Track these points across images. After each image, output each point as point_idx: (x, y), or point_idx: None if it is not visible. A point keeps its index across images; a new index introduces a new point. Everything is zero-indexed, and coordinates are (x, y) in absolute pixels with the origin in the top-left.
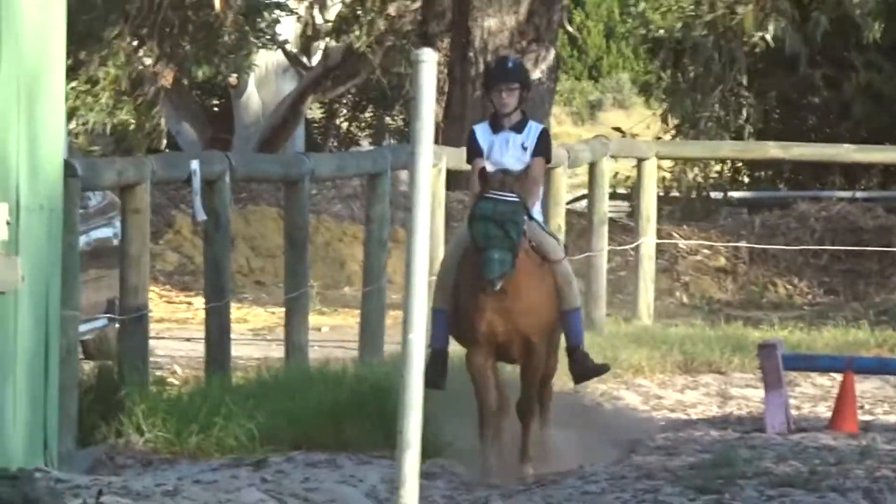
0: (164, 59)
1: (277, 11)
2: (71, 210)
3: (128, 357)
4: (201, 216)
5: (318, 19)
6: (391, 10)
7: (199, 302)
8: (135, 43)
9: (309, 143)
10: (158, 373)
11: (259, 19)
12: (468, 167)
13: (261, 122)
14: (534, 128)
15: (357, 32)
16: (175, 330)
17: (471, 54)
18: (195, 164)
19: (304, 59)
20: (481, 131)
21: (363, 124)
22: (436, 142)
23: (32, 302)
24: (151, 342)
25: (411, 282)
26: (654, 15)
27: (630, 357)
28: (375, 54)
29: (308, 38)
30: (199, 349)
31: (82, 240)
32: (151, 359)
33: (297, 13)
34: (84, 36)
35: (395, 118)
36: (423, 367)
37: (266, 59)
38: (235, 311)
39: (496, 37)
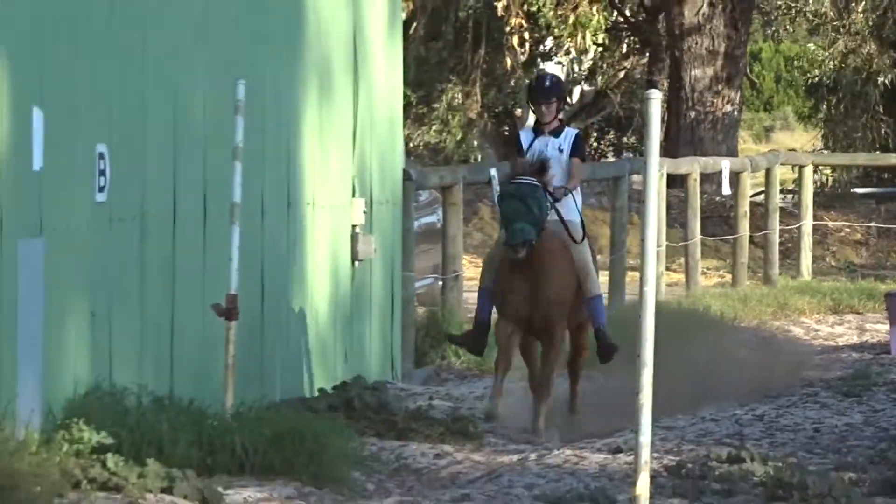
0: (472, 97)
1: (548, 63)
2: (408, 203)
3: (447, 305)
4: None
5: (577, 69)
6: (627, 63)
7: None
8: (452, 86)
9: None
10: (469, 316)
11: (534, 68)
12: (681, 171)
13: None
14: (570, 133)
15: (603, 79)
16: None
17: (682, 94)
18: (493, 171)
19: (567, 98)
20: (524, 135)
21: (608, 143)
22: (659, 155)
23: (383, 266)
24: (464, 294)
25: (645, 251)
26: (812, 65)
27: (795, 303)
28: (616, 94)
29: (569, 83)
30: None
31: (415, 224)
32: (464, 306)
33: (562, 64)
34: (418, 83)
35: (630, 139)
36: (474, 334)
37: None
38: None
39: (700, 82)
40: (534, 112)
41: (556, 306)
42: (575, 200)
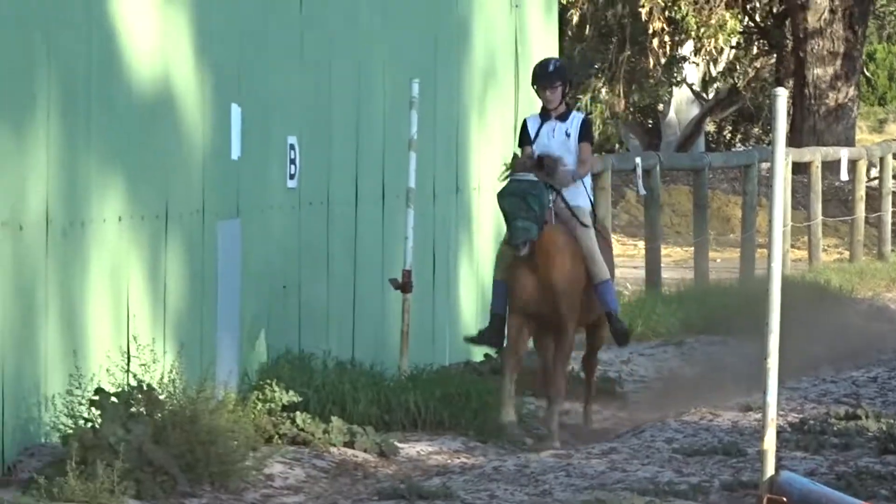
0: (615, 93)
1: (686, 65)
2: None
3: None
4: (642, 192)
5: (713, 70)
6: (757, 63)
7: (641, 244)
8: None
9: (707, 146)
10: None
11: (675, 69)
12: (805, 160)
13: (677, 133)
14: (577, 118)
15: (736, 77)
16: (626, 261)
17: (806, 91)
18: (638, 160)
19: (704, 95)
20: (531, 122)
21: (739, 135)
22: (785, 145)
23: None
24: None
25: (772, 230)
26: None
27: None
28: (748, 91)
29: (706, 82)
30: (641, 273)
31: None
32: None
33: (698, 64)
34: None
35: (759, 130)
36: (490, 329)
37: (681, 95)
38: (663, 249)
39: (821, 80)
40: (539, 97)
41: (566, 297)
42: (585, 185)
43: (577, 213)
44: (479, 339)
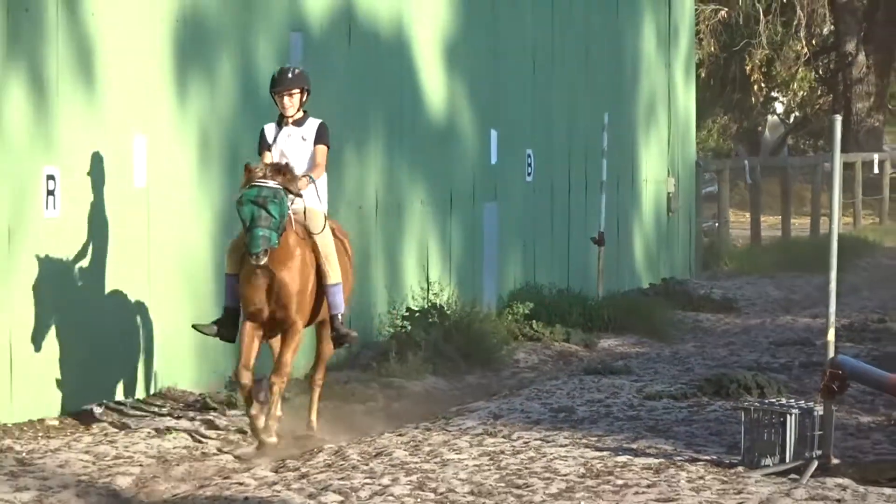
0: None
1: (776, 102)
2: (698, 180)
3: (721, 236)
4: (749, 181)
5: (793, 104)
6: (821, 101)
7: (748, 215)
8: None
9: (788, 153)
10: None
11: (769, 104)
12: (851, 161)
13: (769, 145)
14: (313, 123)
15: (808, 109)
16: (740, 226)
17: (851, 118)
18: (746, 162)
19: (787, 120)
20: (269, 129)
21: (809, 146)
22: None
23: (684, 215)
24: (730, 232)
25: (833, 205)
26: None
27: None
28: (815, 118)
29: (788, 112)
30: (748, 233)
31: (702, 191)
32: (728, 240)
33: (782, 101)
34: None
35: (822, 142)
36: (223, 321)
37: (773, 120)
38: (762, 218)
39: (861, 111)
40: (276, 104)
41: (297, 301)
42: (316, 187)
43: (311, 216)
44: (209, 331)
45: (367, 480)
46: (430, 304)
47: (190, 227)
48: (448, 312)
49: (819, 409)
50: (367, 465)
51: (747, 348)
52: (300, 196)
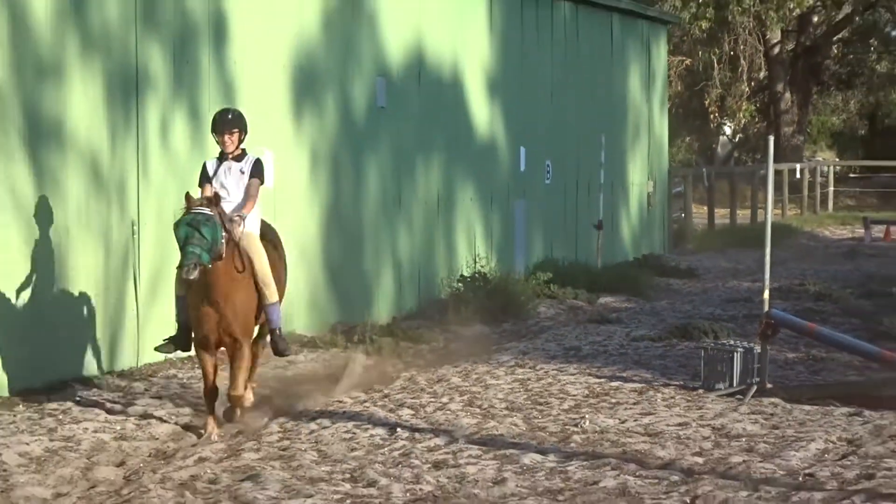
0: (694, 140)
1: (726, 126)
2: (669, 182)
3: (686, 224)
4: (706, 184)
5: (739, 127)
6: (759, 125)
7: (704, 208)
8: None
9: (735, 164)
10: (696, 225)
11: (721, 128)
12: (781, 169)
13: (721, 158)
14: (251, 158)
15: (750, 132)
16: (702, 216)
17: (781, 139)
18: (704, 170)
19: (734, 139)
20: (210, 164)
21: (750, 159)
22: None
23: (660, 209)
24: (694, 220)
25: (767, 201)
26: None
27: (825, 222)
28: (754, 138)
29: (735, 133)
30: (706, 221)
31: (673, 191)
32: (691, 226)
33: (731, 126)
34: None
35: (759, 156)
36: (178, 336)
37: (723, 140)
38: (716, 210)
39: (787, 133)
40: (217, 142)
41: (240, 323)
42: (252, 219)
43: (247, 238)
44: (167, 348)
45: (432, 399)
46: (476, 272)
47: (304, 215)
48: (490, 278)
49: (757, 348)
50: (431, 388)
51: (705, 304)
52: (228, 232)
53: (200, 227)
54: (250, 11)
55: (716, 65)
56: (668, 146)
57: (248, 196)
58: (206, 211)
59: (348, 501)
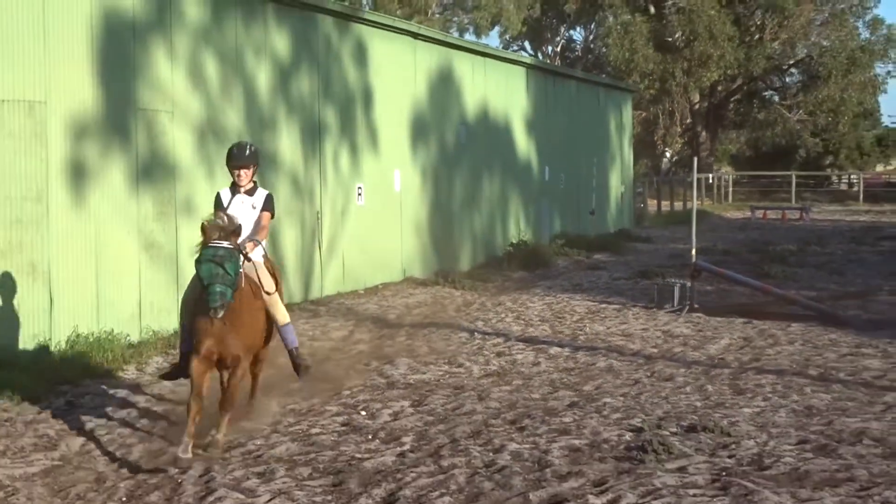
0: (648, 159)
1: (667, 150)
2: (634, 186)
3: (644, 211)
4: (654, 187)
5: (674, 151)
6: (687, 152)
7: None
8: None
9: (673, 174)
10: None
11: (664, 152)
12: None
13: (664, 172)
14: (262, 193)
15: (682, 153)
16: (652, 208)
17: (696, 159)
18: (655, 179)
19: (671, 160)
20: (224, 193)
21: (683, 171)
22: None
23: (628, 199)
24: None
25: (693, 198)
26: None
27: (727, 208)
28: (684, 160)
29: (673, 154)
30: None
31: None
32: (650, 210)
33: (670, 150)
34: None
35: (688, 169)
36: (181, 365)
37: (665, 159)
38: (663, 204)
39: (703, 157)
40: (231, 175)
41: (247, 345)
42: (263, 247)
43: (261, 271)
44: (171, 376)
45: (492, 316)
46: (520, 240)
47: (418, 207)
48: (528, 244)
49: (689, 284)
50: (494, 308)
51: (657, 258)
52: (249, 260)
53: (224, 263)
54: (385, 85)
55: (660, 116)
56: (632, 165)
57: (261, 226)
58: (226, 244)
59: (448, 376)
